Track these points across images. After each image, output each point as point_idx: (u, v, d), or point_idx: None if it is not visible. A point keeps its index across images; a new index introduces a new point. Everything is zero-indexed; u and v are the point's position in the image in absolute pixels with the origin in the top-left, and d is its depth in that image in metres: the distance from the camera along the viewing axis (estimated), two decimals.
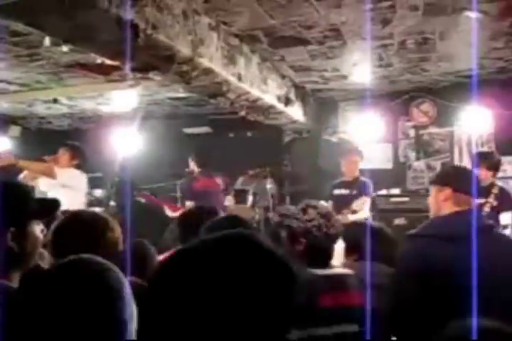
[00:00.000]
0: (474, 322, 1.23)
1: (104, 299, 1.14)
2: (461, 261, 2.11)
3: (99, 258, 1.26)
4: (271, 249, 0.96)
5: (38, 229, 1.61)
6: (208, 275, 0.89)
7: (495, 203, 4.53)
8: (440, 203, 2.49)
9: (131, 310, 1.18)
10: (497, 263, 2.19)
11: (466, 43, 4.80)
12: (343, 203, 5.33)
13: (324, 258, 2.28)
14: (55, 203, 1.76)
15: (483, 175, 4.62)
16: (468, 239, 2.15)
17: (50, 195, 4.82)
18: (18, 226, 1.51)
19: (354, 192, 5.56)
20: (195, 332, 0.87)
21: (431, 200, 2.61)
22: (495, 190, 4.60)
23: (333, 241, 2.32)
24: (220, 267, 0.90)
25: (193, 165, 6.81)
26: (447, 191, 2.47)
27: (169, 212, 6.65)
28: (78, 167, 5.40)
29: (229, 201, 7.01)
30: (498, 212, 4.53)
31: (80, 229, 2.06)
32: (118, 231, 2.20)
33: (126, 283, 1.21)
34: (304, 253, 2.26)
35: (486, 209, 4.51)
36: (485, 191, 4.57)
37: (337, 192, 5.77)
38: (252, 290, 0.88)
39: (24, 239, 1.52)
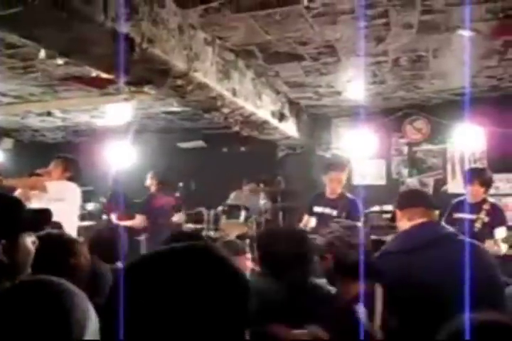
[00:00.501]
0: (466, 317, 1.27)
1: (54, 320, 1.10)
2: (416, 271, 2.29)
3: (57, 279, 1.22)
4: (222, 258, 0.98)
5: (29, 240, 1.59)
6: (159, 286, 0.90)
7: (486, 219, 4.57)
8: (399, 224, 2.76)
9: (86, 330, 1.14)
10: (452, 269, 2.24)
11: (459, 61, 4.84)
12: (322, 223, 4.74)
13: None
14: (46, 214, 1.75)
15: (476, 191, 4.66)
16: (422, 250, 2.39)
17: None
18: (8, 238, 1.49)
19: (341, 213, 5.17)
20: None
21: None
22: (486, 206, 4.63)
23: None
24: (171, 277, 0.91)
25: (150, 183, 6.90)
26: (397, 212, 2.78)
27: (114, 218, 6.91)
28: (71, 179, 5.31)
29: (179, 218, 7.14)
30: (493, 228, 4.57)
31: (42, 253, 2.01)
32: (82, 256, 2.19)
33: (85, 304, 1.18)
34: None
35: (478, 225, 4.54)
36: (476, 207, 4.60)
37: (318, 209, 5.45)
38: (204, 300, 0.89)
39: (15, 251, 1.50)
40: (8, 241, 1.49)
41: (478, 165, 6.54)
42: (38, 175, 5.25)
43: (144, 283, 0.91)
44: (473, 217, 4.58)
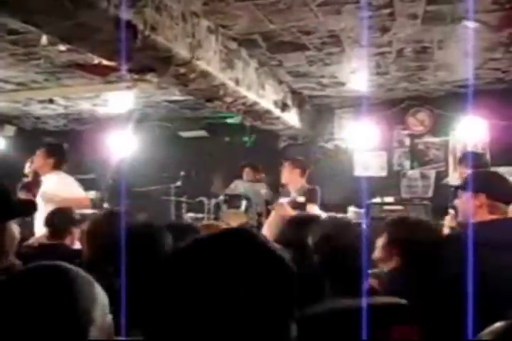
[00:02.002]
0: None
1: (60, 303, 1.10)
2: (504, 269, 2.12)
3: (64, 264, 1.21)
4: (266, 243, 0.97)
5: (15, 228, 1.61)
6: (206, 272, 0.90)
7: None
8: (474, 209, 2.45)
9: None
10: None
11: (463, 53, 4.82)
12: None
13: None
14: (32, 204, 1.79)
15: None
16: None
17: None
18: None
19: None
20: (197, 330, 0.87)
21: (461, 205, 2.62)
22: None
23: None
24: (217, 263, 0.90)
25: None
26: (481, 197, 2.43)
27: None
28: (56, 165, 4.96)
29: None
30: None
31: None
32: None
33: (91, 288, 1.17)
34: None
35: None
36: None
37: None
38: (249, 285, 0.89)
39: (2, 236, 1.52)
40: None
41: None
42: (35, 174, 5.08)
43: (192, 270, 0.91)
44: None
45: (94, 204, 7.79)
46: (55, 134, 9.28)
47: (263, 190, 7.57)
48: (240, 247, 0.94)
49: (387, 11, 3.74)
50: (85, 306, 1.11)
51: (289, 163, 5.44)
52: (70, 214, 3.60)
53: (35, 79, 5.70)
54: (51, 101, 6.67)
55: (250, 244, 0.96)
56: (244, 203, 7.16)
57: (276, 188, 7.57)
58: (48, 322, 1.06)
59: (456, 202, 2.78)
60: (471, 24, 4.02)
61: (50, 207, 4.09)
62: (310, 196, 5.20)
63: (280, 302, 0.92)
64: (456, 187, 2.80)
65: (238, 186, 7.69)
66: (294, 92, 6.43)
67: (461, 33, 4.24)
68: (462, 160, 4.98)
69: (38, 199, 4.55)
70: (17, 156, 7.96)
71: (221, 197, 7.26)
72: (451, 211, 4.90)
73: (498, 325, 1.16)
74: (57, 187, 4.73)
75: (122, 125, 7.55)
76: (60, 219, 3.54)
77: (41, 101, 6.99)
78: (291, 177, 5.36)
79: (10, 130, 8.36)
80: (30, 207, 1.77)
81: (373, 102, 6.96)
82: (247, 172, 7.63)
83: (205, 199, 7.52)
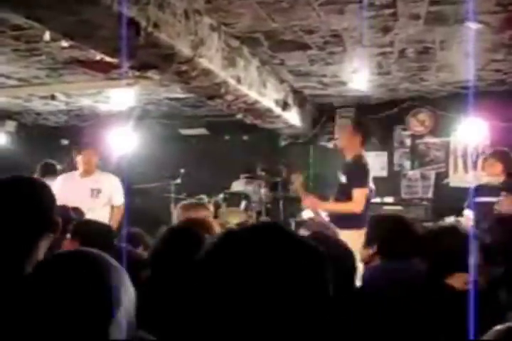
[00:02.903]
0: None
1: (92, 290, 1.15)
2: None
3: (97, 251, 1.26)
4: (301, 237, 1.00)
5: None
6: (246, 264, 0.91)
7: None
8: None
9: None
10: None
11: (465, 54, 4.82)
12: None
13: None
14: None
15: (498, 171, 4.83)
16: None
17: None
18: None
19: None
20: (236, 316, 0.89)
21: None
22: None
23: None
24: (258, 255, 0.91)
25: None
26: None
27: None
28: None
29: None
30: None
31: None
32: None
33: (122, 277, 1.22)
34: None
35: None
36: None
37: None
38: (288, 276, 0.90)
39: (37, 254, 1.53)
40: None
41: (481, 159, 6.50)
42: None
43: (232, 266, 0.92)
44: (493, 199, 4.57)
45: None
46: (56, 130, 9.30)
47: (262, 189, 7.59)
48: (276, 239, 0.95)
49: (390, 11, 3.74)
50: (115, 287, 1.16)
51: (352, 126, 4.77)
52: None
53: (37, 75, 5.70)
54: (53, 97, 6.66)
55: (285, 236, 0.97)
56: (244, 202, 7.17)
57: (275, 187, 7.59)
58: (79, 303, 1.12)
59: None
60: (473, 25, 4.01)
61: None
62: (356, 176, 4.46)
63: (317, 290, 0.93)
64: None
65: (238, 186, 7.71)
66: (295, 91, 6.44)
67: (463, 34, 4.24)
68: (495, 155, 5.04)
69: None
70: (18, 151, 7.99)
71: (221, 195, 7.27)
72: (467, 212, 4.92)
73: (498, 327, 1.17)
74: None
75: (123, 122, 7.55)
76: None
77: (43, 97, 6.99)
78: (350, 142, 4.61)
79: (11, 125, 8.36)
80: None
81: (374, 102, 6.97)
82: (244, 176, 7.68)
83: (204, 197, 7.53)
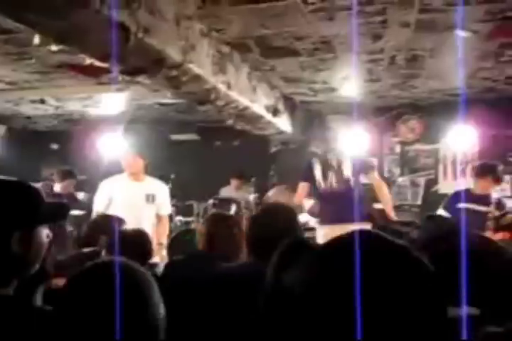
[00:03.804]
0: None
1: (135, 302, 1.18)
2: None
3: (134, 263, 1.30)
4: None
5: (44, 233, 1.56)
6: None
7: (496, 213, 4.68)
8: None
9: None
10: None
11: (455, 62, 4.84)
12: None
13: None
14: (64, 208, 1.71)
15: (486, 186, 4.86)
16: None
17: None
18: (25, 229, 1.46)
19: None
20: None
21: None
22: (494, 200, 4.78)
23: None
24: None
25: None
26: None
27: None
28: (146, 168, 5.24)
29: None
30: None
31: None
32: None
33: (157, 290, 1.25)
34: None
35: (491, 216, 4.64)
36: (485, 199, 4.78)
37: None
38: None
39: (30, 244, 1.46)
40: (23, 233, 1.44)
41: (470, 166, 6.54)
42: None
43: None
44: (482, 208, 4.65)
45: (84, 205, 7.77)
46: (45, 134, 9.26)
47: (251, 195, 7.58)
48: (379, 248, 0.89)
49: (380, 18, 3.76)
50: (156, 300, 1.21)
51: None
52: None
53: (27, 78, 5.68)
54: (42, 101, 6.64)
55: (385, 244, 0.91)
56: (233, 207, 7.15)
57: (265, 192, 7.59)
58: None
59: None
60: (462, 33, 4.05)
61: None
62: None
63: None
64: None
65: (227, 192, 7.70)
66: (286, 98, 6.45)
67: (452, 41, 4.27)
68: (484, 171, 5.00)
69: None
70: (7, 156, 7.94)
71: (210, 201, 7.25)
72: (441, 211, 4.96)
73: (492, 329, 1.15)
74: None
75: (113, 127, 7.53)
76: None
77: (32, 101, 6.97)
78: None
79: (1, 129, 8.32)
80: (62, 212, 1.69)
81: (364, 109, 6.99)
82: (234, 182, 7.68)
83: (194, 203, 7.51)
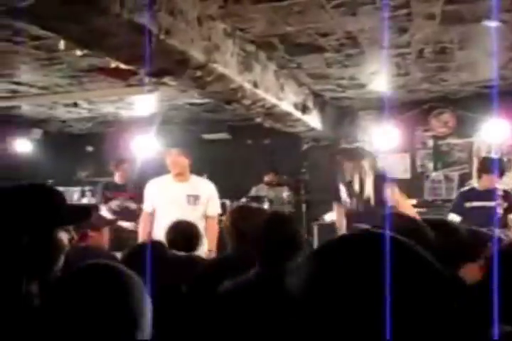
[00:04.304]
0: None
1: (116, 300, 1.21)
2: None
3: (117, 264, 1.34)
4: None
5: (64, 236, 1.58)
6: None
7: (505, 205, 4.75)
8: None
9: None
10: None
11: (485, 53, 4.76)
12: None
13: None
14: (86, 211, 1.72)
15: (495, 180, 4.82)
16: None
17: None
18: (42, 232, 1.47)
19: None
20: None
21: None
22: (500, 192, 4.79)
23: None
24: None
25: None
26: None
27: None
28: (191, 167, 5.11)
29: None
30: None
31: None
32: None
33: (142, 288, 1.28)
34: None
35: (500, 211, 4.64)
36: (491, 194, 4.72)
37: None
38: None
39: (48, 246, 1.49)
40: (38, 236, 1.45)
41: (505, 159, 6.41)
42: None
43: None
44: (491, 203, 4.65)
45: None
46: (80, 137, 9.43)
47: (285, 192, 7.58)
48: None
49: (404, 11, 3.71)
50: (139, 299, 1.24)
51: None
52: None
53: (59, 83, 5.80)
54: (75, 104, 6.77)
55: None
56: (266, 205, 7.17)
57: (298, 190, 7.58)
58: (103, 319, 1.17)
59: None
60: (491, 23, 3.96)
61: None
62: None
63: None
64: None
65: (259, 190, 7.71)
66: (315, 94, 6.42)
67: (481, 32, 4.18)
68: (487, 166, 4.92)
69: None
70: (44, 159, 8.12)
71: (243, 200, 7.28)
72: (452, 216, 4.90)
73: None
74: None
75: (146, 128, 7.62)
76: None
77: (66, 105, 7.11)
78: None
79: (37, 133, 8.50)
80: (82, 215, 1.69)
81: (396, 104, 6.91)
82: (266, 180, 7.67)
83: (227, 202, 7.54)
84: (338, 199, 5.09)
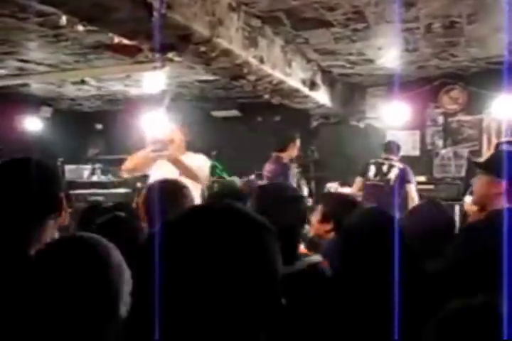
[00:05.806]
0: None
1: (94, 270, 1.22)
2: None
3: (93, 235, 1.34)
4: (252, 216, 0.96)
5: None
6: (196, 245, 0.88)
7: None
8: (492, 196, 2.24)
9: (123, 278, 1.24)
10: None
11: (496, 27, 4.67)
12: None
13: None
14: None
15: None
16: None
17: None
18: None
19: None
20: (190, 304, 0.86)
21: (479, 189, 2.39)
22: None
23: None
24: (205, 236, 0.88)
25: None
26: (503, 184, 2.19)
27: None
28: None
29: None
30: None
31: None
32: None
33: (119, 257, 1.29)
34: None
35: None
36: None
37: None
38: (238, 257, 0.87)
39: (41, 235, 1.56)
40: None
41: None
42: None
43: (181, 242, 0.90)
44: None
45: (128, 184, 7.95)
46: (90, 115, 9.45)
47: (294, 169, 7.57)
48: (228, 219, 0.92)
49: None
50: (116, 282, 1.24)
51: None
52: None
53: (66, 60, 5.79)
54: (83, 82, 6.77)
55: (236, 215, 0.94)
56: None
57: (306, 167, 7.57)
58: (82, 294, 1.19)
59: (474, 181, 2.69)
60: None
61: None
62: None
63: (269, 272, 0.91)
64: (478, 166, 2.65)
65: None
66: (324, 71, 6.36)
67: (491, 6, 4.11)
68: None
69: None
70: (54, 137, 8.16)
71: (252, 177, 7.29)
72: (467, 198, 4.85)
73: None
74: None
75: (155, 105, 7.61)
76: None
77: (74, 83, 7.11)
78: None
79: (47, 111, 8.52)
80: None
81: (405, 80, 6.83)
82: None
83: (237, 179, 7.56)
84: (363, 174, 6.11)
